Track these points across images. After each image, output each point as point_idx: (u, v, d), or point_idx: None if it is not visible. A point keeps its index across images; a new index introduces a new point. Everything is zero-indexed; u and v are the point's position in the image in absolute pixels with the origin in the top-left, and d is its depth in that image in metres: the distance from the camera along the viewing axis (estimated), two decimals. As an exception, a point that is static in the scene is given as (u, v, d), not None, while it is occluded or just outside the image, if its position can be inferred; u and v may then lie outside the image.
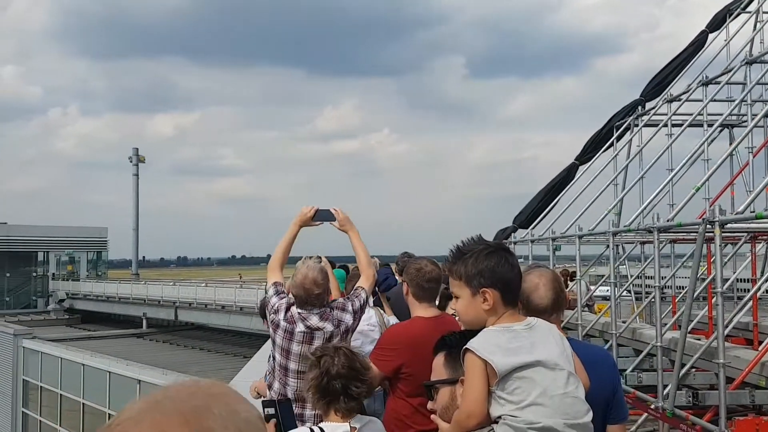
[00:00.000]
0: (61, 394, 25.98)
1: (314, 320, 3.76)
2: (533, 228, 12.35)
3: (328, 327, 3.77)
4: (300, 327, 3.74)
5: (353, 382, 2.77)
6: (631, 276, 12.21)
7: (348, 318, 3.88)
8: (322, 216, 4.16)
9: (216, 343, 29.69)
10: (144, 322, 34.32)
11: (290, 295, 3.90)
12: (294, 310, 3.79)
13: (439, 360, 2.33)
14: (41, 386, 27.66)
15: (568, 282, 13.28)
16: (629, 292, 12.65)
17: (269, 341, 13.23)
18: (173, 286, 34.22)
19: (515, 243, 12.32)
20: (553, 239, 9.96)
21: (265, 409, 3.01)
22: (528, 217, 12.86)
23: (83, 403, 24.28)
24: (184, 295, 32.02)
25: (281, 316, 3.79)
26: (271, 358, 4.25)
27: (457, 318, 2.37)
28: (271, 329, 3.89)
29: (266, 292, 4.07)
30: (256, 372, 9.41)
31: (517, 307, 2.23)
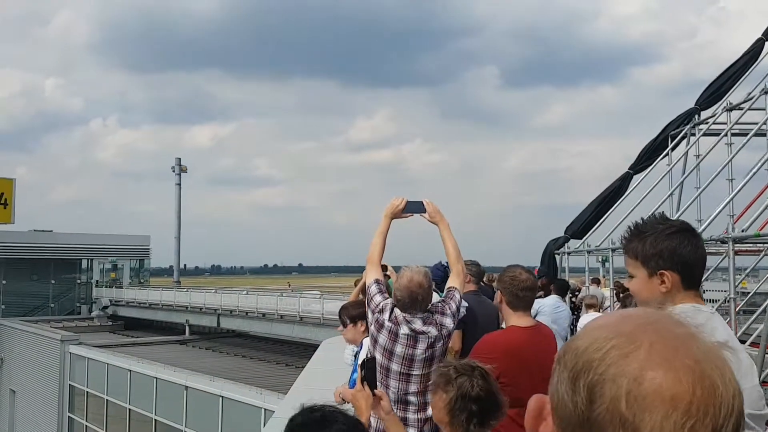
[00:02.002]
0: (107, 400, 26.38)
1: (418, 324, 3.73)
2: (587, 238, 12.24)
3: (432, 331, 3.74)
4: (404, 329, 3.70)
5: (490, 407, 2.63)
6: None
7: (449, 321, 3.83)
8: (412, 208, 4.12)
9: (257, 350, 29.88)
10: (187, 329, 34.71)
11: (392, 298, 3.89)
12: (398, 312, 3.75)
13: None
14: (87, 392, 28.14)
15: (621, 295, 13.17)
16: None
17: (320, 346, 13.16)
18: (215, 293, 34.51)
19: (569, 253, 12.23)
20: (613, 250, 9.84)
21: (361, 372, 3.01)
22: (581, 227, 12.74)
23: (129, 409, 24.61)
24: (226, 303, 32.30)
25: (386, 316, 3.76)
26: (368, 356, 4.23)
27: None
28: (373, 328, 3.85)
29: (367, 288, 4.01)
30: (315, 378, 9.48)
31: (699, 290, 2.14)
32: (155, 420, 22.77)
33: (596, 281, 13.60)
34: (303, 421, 1.75)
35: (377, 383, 3.06)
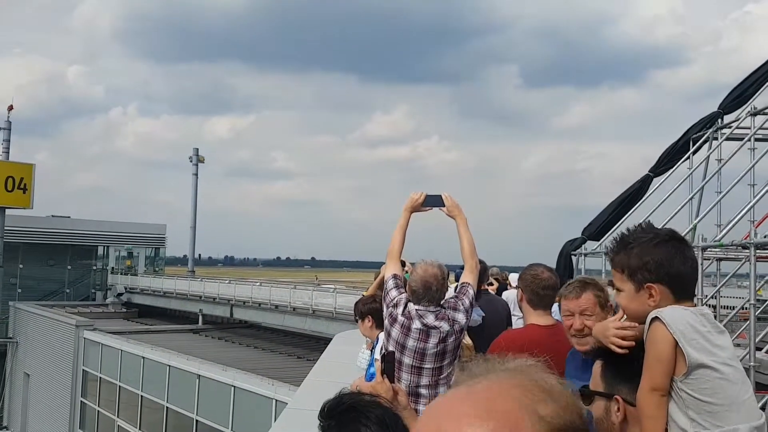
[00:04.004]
0: (120, 386, 26.64)
1: (431, 318, 3.80)
2: (604, 240, 12.14)
3: (444, 326, 3.82)
4: (417, 324, 3.79)
5: None
6: (706, 296, 11.86)
7: (461, 317, 3.90)
8: (431, 201, 4.18)
9: (270, 342, 30.00)
10: (200, 318, 34.92)
11: (407, 291, 3.94)
12: (411, 306, 3.83)
13: (597, 368, 2.24)
14: (101, 377, 28.41)
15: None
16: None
17: (333, 340, 13.22)
18: (229, 284, 34.69)
19: (585, 255, 12.12)
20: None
21: (381, 365, 3.05)
22: (599, 228, 12.63)
23: (142, 396, 24.83)
24: (239, 294, 32.45)
25: (399, 310, 3.84)
26: (384, 351, 4.28)
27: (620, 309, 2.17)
28: (387, 322, 3.95)
29: (384, 282, 4.10)
30: (328, 371, 9.49)
31: (693, 301, 2.08)
32: (167, 407, 22.95)
33: (611, 283, 13.49)
34: (349, 403, 1.71)
35: (393, 377, 3.09)
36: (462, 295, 3.98)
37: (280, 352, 27.46)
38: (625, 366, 2.13)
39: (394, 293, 3.92)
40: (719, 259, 11.72)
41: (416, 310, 3.80)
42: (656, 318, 1.95)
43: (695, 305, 2.06)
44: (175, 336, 31.23)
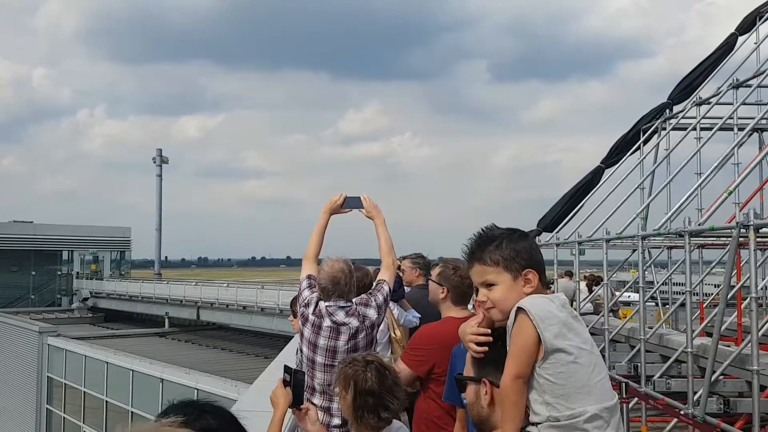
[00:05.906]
0: (84, 392, 26.33)
1: (340, 315, 3.82)
2: (558, 231, 12.26)
3: (354, 322, 3.83)
4: (327, 322, 3.80)
5: (386, 398, 2.71)
6: (657, 282, 12.04)
7: (372, 313, 3.91)
8: (350, 203, 4.24)
9: (237, 343, 29.86)
10: (166, 321, 34.60)
11: (318, 290, 3.95)
12: (322, 305, 3.85)
13: (468, 354, 2.24)
14: (65, 383, 28.05)
15: (593, 287, 13.24)
16: (653, 297, 12.45)
17: (294, 339, 13.23)
18: (195, 286, 34.45)
19: (540, 246, 12.22)
20: (580, 243, 9.86)
21: (284, 374, 3.00)
22: (553, 220, 12.75)
23: (106, 401, 24.58)
24: (206, 295, 32.22)
25: (311, 310, 3.86)
26: (299, 351, 4.30)
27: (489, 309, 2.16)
28: (300, 322, 3.97)
29: (300, 283, 4.11)
30: (280, 372, 9.45)
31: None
32: (131, 412, 22.72)
33: (569, 274, 13.66)
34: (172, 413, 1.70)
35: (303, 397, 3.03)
36: (376, 291, 4.01)
37: (247, 352, 27.35)
38: (489, 350, 2.16)
39: (306, 293, 3.95)
40: (670, 248, 11.91)
41: (326, 307, 3.81)
42: (520, 309, 2.00)
43: (552, 292, 2.15)
44: (140, 340, 30.95)
